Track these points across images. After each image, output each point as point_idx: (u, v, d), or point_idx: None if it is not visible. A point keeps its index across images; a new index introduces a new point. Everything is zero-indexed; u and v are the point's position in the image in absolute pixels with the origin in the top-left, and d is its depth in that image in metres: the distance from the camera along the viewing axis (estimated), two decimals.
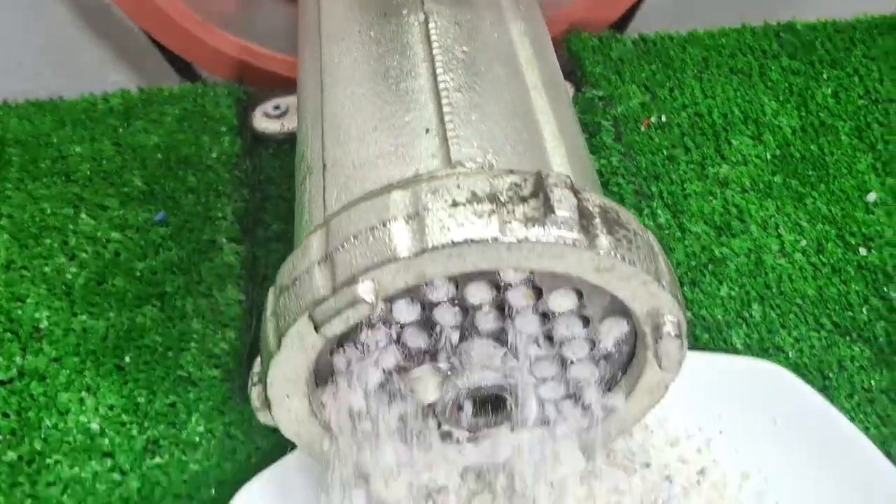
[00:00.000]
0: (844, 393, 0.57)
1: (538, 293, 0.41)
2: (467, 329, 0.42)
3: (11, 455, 0.56)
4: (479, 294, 0.40)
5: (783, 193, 0.66)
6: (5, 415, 0.57)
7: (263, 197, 0.67)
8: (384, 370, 0.42)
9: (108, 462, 0.56)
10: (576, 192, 0.38)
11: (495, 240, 0.37)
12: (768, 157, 0.68)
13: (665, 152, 0.68)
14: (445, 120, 0.43)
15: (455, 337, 0.41)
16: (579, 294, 0.41)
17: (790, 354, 0.57)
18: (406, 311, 0.41)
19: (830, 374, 0.57)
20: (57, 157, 0.70)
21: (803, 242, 0.63)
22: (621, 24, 0.81)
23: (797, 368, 0.56)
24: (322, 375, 0.43)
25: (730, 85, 0.73)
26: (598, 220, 0.39)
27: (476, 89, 0.45)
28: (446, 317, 0.41)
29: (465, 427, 0.44)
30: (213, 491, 0.53)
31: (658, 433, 0.53)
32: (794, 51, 0.75)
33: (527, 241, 0.37)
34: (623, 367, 0.45)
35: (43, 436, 0.57)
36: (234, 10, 0.82)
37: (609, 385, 0.46)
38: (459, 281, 0.40)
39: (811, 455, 0.52)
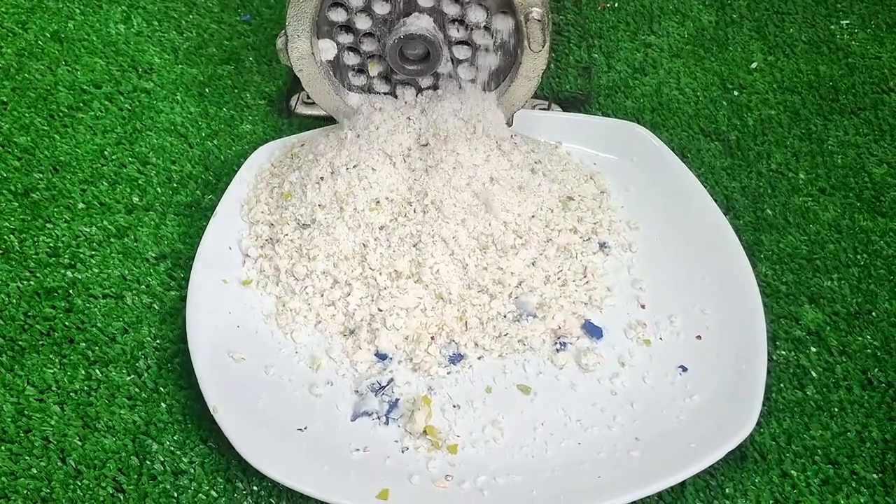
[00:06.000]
0: (696, 166, 0.81)
1: None
2: (411, 5, 0.69)
3: (120, 130, 0.84)
4: None
5: (689, 56, 0.92)
6: (120, 108, 0.86)
7: None
8: (357, 30, 0.69)
9: (182, 140, 0.83)
10: None
11: None
12: (685, 35, 0.94)
13: (611, 24, 0.95)
14: None
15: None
16: None
17: (663, 142, 0.80)
18: None
19: (688, 156, 0.82)
20: None
21: (693, 84, 0.89)
22: None
23: None
24: (321, 31, 0.70)
25: None
26: None
27: None
28: None
29: (405, 70, 0.71)
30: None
31: (556, 155, 0.78)
32: None
33: None
34: (511, 60, 0.71)
35: (143, 122, 0.84)
36: None
37: (502, 76, 0.72)
38: None
39: (651, 176, 0.77)
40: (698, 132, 0.82)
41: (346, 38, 0.69)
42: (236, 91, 0.85)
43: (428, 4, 0.66)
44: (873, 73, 0.87)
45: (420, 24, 0.67)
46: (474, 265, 0.67)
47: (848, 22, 0.93)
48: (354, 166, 0.68)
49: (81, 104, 0.84)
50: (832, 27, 0.93)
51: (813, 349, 0.66)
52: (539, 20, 0.65)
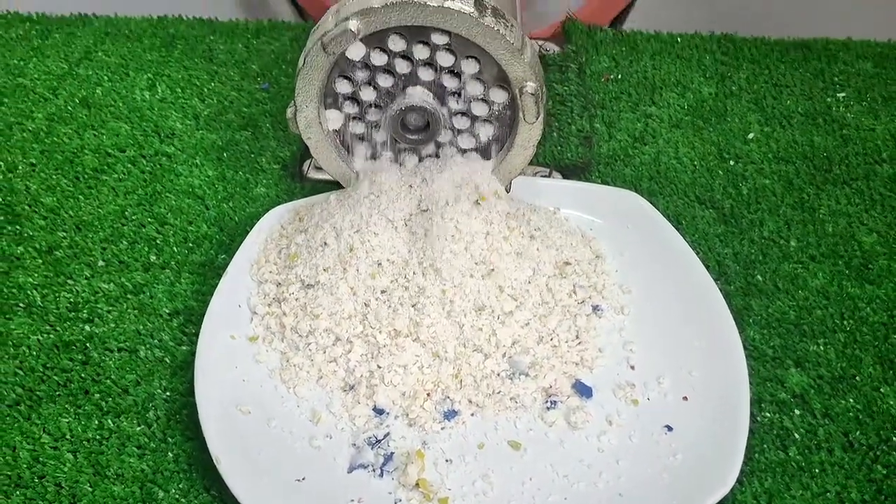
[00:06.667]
0: (690, 232, 0.84)
1: (455, 56, 0.72)
2: (413, 78, 0.73)
3: (141, 192, 0.88)
4: (420, 51, 0.72)
5: (688, 127, 0.95)
6: (142, 171, 0.90)
7: None
8: (362, 101, 0.73)
9: (199, 201, 0.87)
10: None
11: (425, 3, 0.68)
12: (686, 106, 0.98)
13: (613, 94, 0.99)
14: None
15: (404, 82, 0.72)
16: (479, 63, 0.72)
17: (658, 209, 0.83)
18: (378, 57, 0.72)
19: (683, 223, 0.85)
20: (206, 49, 1.05)
21: (691, 154, 0.92)
22: (613, 25, 1.14)
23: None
24: (327, 102, 0.74)
25: (673, 65, 1.03)
26: (489, 10, 0.69)
27: None
28: (401, 65, 0.73)
29: (407, 139, 0.75)
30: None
31: (554, 221, 0.82)
32: (727, 51, 1.06)
33: (442, 6, 0.68)
34: (508, 131, 0.74)
35: (163, 184, 0.89)
36: None
37: (500, 146, 0.76)
38: (409, 40, 0.71)
39: (645, 242, 0.79)
40: (694, 200, 0.85)
41: (351, 109, 0.72)
42: (252, 156, 0.90)
43: (428, 78, 0.70)
44: (867, 145, 0.90)
45: (421, 96, 0.70)
46: (470, 326, 0.70)
47: (844, 95, 0.97)
48: (357, 231, 0.71)
49: (106, 167, 0.88)
50: (828, 99, 0.96)
51: (797, 411, 0.68)
52: (533, 94, 0.68)
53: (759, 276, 0.78)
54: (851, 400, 0.69)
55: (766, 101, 0.96)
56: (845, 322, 0.74)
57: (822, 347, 0.72)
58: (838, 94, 0.97)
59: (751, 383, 0.68)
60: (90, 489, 0.63)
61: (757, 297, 0.76)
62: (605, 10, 1.10)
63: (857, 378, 0.70)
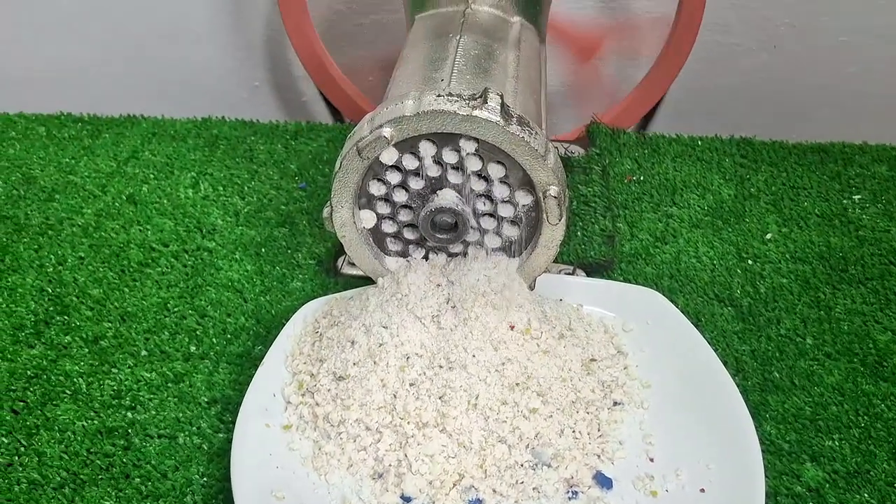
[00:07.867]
0: (709, 329, 0.87)
1: (482, 161, 0.76)
2: (443, 181, 0.78)
3: (183, 285, 0.93)
4: (449, 156, 0.76)
5: (708, 227, 0.99)
6: (184, 265, 0.95)
7: None
8: (395, 202, 0.77)
9: (238, 295, 0.91)
10: (503, 101, 0.74)
11: (455, 112, 0.73)
12: (706, 207, 1.02)
13: (635, 195, 1.03)
14: (453, 76, 0.80)
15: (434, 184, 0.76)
16: (505, 167, 0.77)
17: (678, 306, 0.86)
18: (410, 161, 0.77)
19: (702, 320, 0.88)
20: (247, 149, 1.11)
21: (710, 253, 0.96)
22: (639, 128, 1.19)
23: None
24: (361, 202, 0.79)
25: (694, 167, 1.08)
26: (514, 119, 0.74)
27: (475, 69, 0.82)
28: (431, 169, 0.77)
29: (436, 238, 0.79)
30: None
31: (580, 318, 0.85)
32: (746, 153, 1.10)
33: (470, 116, 0.73)
34: (532, 231, 0.79)
35: (203, 278, 0.93)
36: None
37: (525, 244, 0.80)
38: (439, 146, 0.76)
39: (665, 339, 0.82)
40: (713, 298, 0.88)
41: (384, 209, 0.77)
42: (289, 251, 0.94)
43: (457, 181, 0.74)
44: (882, 246, 0.94)
45: (450, 198, 0.75)
46: (494, 418, 0.73)
47: (860, 197, 1.00)
48: (385, 327, 0.75)
49: (150, 261, 0.93)
50: (845, 202, 1.00)
51: None
52: (556, 197, 0.72)
53: (775, 373, 0.80)
54: (866, 494, 0.71)
55: (784, 202, 1.00)
56: (860, 418, 0.76)
57: (837, 443, 0.75)
58: (854, 197, 1.01)
59: (767, 477, 0.70)
60: None
61: (773, 393, 0.78)
62: (629, 114, 1.14)
63: (872, 473, 0.72)
